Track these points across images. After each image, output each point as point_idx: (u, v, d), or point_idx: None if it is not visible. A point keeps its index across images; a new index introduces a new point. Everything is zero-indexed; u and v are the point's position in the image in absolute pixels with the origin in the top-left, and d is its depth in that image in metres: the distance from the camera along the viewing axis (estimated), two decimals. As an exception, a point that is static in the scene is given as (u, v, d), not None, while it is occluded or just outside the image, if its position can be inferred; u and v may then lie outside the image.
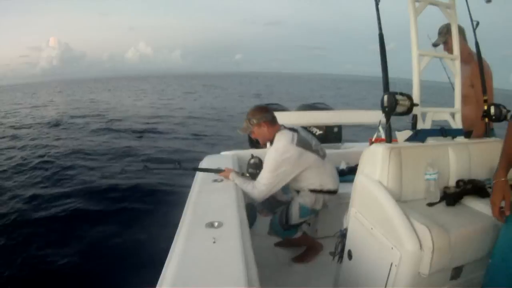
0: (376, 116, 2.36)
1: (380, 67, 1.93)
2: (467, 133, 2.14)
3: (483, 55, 2.48)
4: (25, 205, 5.80)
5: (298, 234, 2.65)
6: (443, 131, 2.06)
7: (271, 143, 2.46)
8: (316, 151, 2.42)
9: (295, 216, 2.49)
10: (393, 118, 1.90)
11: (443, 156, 1.90)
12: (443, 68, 2.46)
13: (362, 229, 1.81)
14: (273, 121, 2.50)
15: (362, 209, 1.86)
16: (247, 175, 2.58)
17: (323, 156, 2.48)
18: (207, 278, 1.22)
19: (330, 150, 2.71)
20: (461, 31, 2.62)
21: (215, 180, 2.44)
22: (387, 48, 1.96)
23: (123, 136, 12.57)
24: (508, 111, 2.17)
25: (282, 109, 4.14)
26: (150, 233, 4.44)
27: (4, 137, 12.87)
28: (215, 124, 15.83)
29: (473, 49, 2.49)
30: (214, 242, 1.45)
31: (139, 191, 6.08)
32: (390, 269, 1.55)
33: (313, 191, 2.47)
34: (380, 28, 1.92)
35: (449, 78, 2.48)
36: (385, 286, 1.59)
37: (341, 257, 2.05)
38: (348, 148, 3.99)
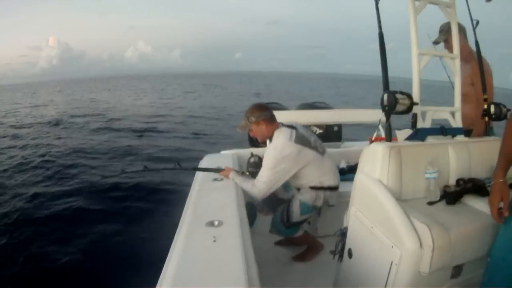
0: (376, 115, 2.37)
1: (380, 66, 1.93)
2: (467, 132, 2.14)
3: (482, 54, 2.48)
4: (27, 203, 5.82)
5: (300, 232, 2.65)
6: (443, 130, 2.06)
7: (270, 141, 2.46)
8: (315, 148, 2.42)
9: (296, 213, 2.49)
10: (393, 117, 1.90)
11: (443, 155, 1.90)
12: (443, 67, 2.47)
13: (362, 228, 1.81)
14: (271, 119, 2.50)
15: (362, 207, 1.86)
16: (247, 173, 2.58)
17: (322, 152, 2.47)
18: (207, 277, 1.22)
19: (330, 149, 2.71)
20: (462, 29, 2.62)
21: (215, 179, 2.44)
22: (387, 47, 1.96)
23: (123, 135, 12.59)
24: (508, 110, 2.17)
25: (282, 108, 4.14)
26: (150, 232, 4.45)
27: (5, 137, 12.91)
28: (215, 123, 15.83)
29: (473, 47, 2.50)
30: (214, 241, 1.46)
31: (139, 190, 6.09)
32: (390, 267, 1.55)
33: (313, 188, 2.46)
34: (380, 27, 1.92)
35: (449, 77, 2.49)
36: (386, 285, 1.59)
37: (341, 256, 2.06)
38: (348, 147, 3.99)
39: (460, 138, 2.11)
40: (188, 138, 12.29)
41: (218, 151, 3.44)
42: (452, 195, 1.78)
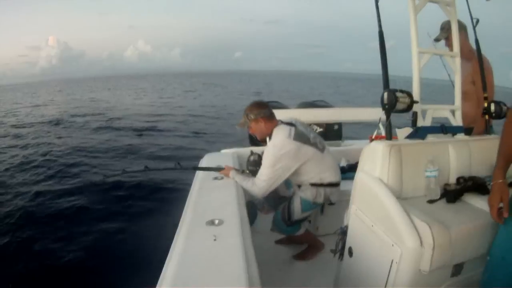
0: (376, 114, 2.36)
1: (380, 65, 1.93)
2: (468, 130, 2.14)
3: (483, 52, 2.48)
4: (28, 202, 5.85)
5: (302, 230, 2.65)
6: (443, 128, 2.06)
7: (270, 139, 2.46)
8: (314, 144, 2.41)
9: (297, 210, 2.49)
10: (393, 115, 1.90)
11: (443, 153, 1.90)
12: (443, 65, 2.47)
13: (363, 226, 1.81)
14: (270, 117, 2.50)
15: (362, 206, 1.86)
16: (247, 172, 2.58)
17: (322, 149, 2.46)
18: (207, 276, 1.22)
19: (331, 148, 2.70)
20: (463, 27, 2.61)
21: (215, 178, 2.44)
22: (386, 45, 1.96)
23: (124, 134, 12.63)
24: (508, 108, 2.17)
25: (282, 106, 4.13)
26: (151, 231, 4.46)
27: (6, 136, 12.97)
28: (215, 122, 15.87)
29: (474, 46, 2.50)
30: (214, 240, 1.46)
31: (140, 189, 6.10)
32: (390, 266, 1.55)
33: (313, 184, 2.46)
34: (380, 26, 1.92)
35: (449, 75, 2.48)
36: (386, 283, 1.59)
37: (341, 254, 2.06)
38: (348, 145, 3.99)
39: (461, 136, 2.11)
40: (188, 137, 12.33)
41: (218, 150, 3.44)
42: (453, 194, 1.78)
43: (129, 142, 11.03)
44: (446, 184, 1.84)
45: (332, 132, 4.20)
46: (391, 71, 1.91)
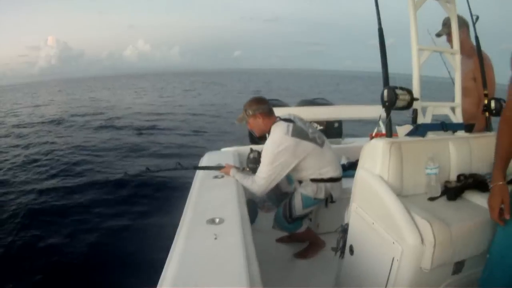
0: (376, 111, 2.36)
1: (379, 62, 1.93)
2: (469, 127, 2.13)
3: (484, 49, 2.47)
4: (31, 202, 5.87)
5: (303, 228, 2.64)
6: (444, 126, 2.05)
7: (269, 135, 2.46)
8: (313, 139, 2.40)
9: (298, 207, 2.49)
10: (393, 113, 1.90)
11: (444, 151, 1.90)
12: (443, 62, 2.46)
13: (363, 224, 1.81)
14: (269, 113, 2.50)
15: (363, 204, 1.86)
16: (248, 170, 2.58)
17: (321, 144, 2.45)
18: (208, 275, 1.22)
19: (331, 145, 2.70)
20: (465, 24, 2.61)
21: (216, 177, 2.44)
22: (386, 43, 1.95)
23: (125, 134, 12.65)
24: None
25: (282, 105, 4.13)
26: (151, 231, 4.48)
27: (8, 136, 13.00)
28: (215, 120, 15.92)
29: (474, 43, 2.49)
30: (215, 238, 1.45)
31: (141, 189, 6.10)
32: (391, 263, 1.55)
33: (314, 180, 2.46)
34: (379, 23, 1.92)
35: (449, 72, 2.48)
36: (387, 281, 1.59)
37: (342, 252, 2.05)
38: (348, 143, 3.99)
39: (461, 133, 2.11)
40: (188, 135, 12.36)
41: (219, 148, 3.45)
42: (453, 191, 1.78)
43: (130, 141, 11.06)
44: (447, 182, 1.84)
45: (332, 130, 4.20)
46: (390, 69, 1.91)
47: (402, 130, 2.04)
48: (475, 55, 2.56)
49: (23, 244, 4.51)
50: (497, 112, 2.16)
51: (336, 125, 4.27)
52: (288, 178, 2.69)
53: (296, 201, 2.49)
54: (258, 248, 1.52)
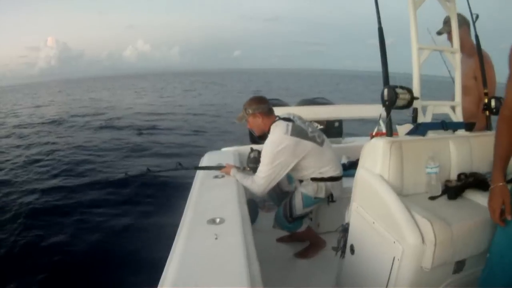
0: (376, 110, 2.36)
1: (379, 62, 1.92)
2: (469, 125, 2.13)
3: (484, 48, 2.47)
4: (33, 201, 5.92)
5: (303, 227, 2.64)
6: (444, 125, 2.05)
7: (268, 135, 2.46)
8: (312, 138, 2.40)
9: (298, 206, 2.49)
10: (393, 112, 1.90)
11: (444, 150, 1.90)
12: (443, 61, 2.46)
13: (364, 224, 1.81)
14: (268, 113, 2.50)
15: (363, 203, 1.86)
16: (248, 169, 2.58)
17: (321, 143, 2.44)
18: (209, 275, 1.22)
19: (331, 145, 2.70)
20: (466, 23, 2.60)
21: (216, 177, 2.44)
22: (386, 42, 1.95)
23: (125, 134, 12.69)
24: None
25: (282, 104, 4.13)
26: (152, 231, 4.48)
27: (9, 137, 13.06)
28: (215, 120, 15.95)
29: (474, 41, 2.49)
30: (216, 238, 1.45)
31: (142, 189, 6.11)
32: (392, 263, 1.55)
33: (314, 179, 2.46)
34: (379, 22, 1.91)
35: (449, 71, 2.47)
36: (388, 281, 1.59)
37: (343, 252, 2.05)
38: (349, 142, 3.99)
39: (461, 132, 2.10)
40: (189, 135, 12.38)
41: (219, 148, 3.45)
42: (454, 190, 1.77)
43: (130, 141, 11.09)
44: (447, 181, 1.83)
45: (332, 129, 4.20)
46: (390, 68, 1.91)
47: (403, 129, 2.04)
48: (475, 54, 2.56)
49: (26, 243, 4.53)
50: (497, 111, 2.15)
51: (336, 124, 4.27)
52: (289, 177, 2.69)
53: (296, 200, 2.49)
54: (259, 247, 1.52)
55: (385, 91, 1.86)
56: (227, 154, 3.08)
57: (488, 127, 2.24)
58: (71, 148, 10.08)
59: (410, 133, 1.98)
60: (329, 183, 2.47)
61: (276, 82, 57.73)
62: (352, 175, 1.99)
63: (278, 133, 2.34)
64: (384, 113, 1.95)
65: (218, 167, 2.52)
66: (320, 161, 2.43)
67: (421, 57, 2.02)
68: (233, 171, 2.42)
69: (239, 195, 2.08)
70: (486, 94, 2.29)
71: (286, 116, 2.51)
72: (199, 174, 2.53)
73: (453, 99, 2.23)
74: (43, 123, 16.36)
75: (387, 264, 1.58)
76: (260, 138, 2.64)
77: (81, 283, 3.63)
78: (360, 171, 1.91)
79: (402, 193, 1.72)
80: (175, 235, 1.60)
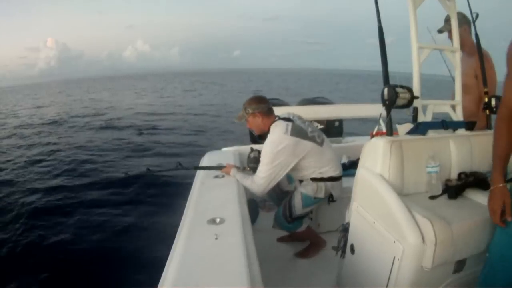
0: (376, 110, 2.35)
1: (379, 61, 1.92)
2: (470, 124, 2.12)
3: (485, 47, 2.47)
4: (34, 200, 5.94)
5: (303, 227, 2.64)
6: (444, 124, 2.05)
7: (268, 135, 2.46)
8: (312, 138, 2.39)
9: (298, 206, 2.48)
10: (393, 111, 1.89)
11: (445, 149, 1.90)
12: (443, 60, 2.45)
13: (364, 223, 1.81)
14: (268, 112, 2.49)
15: (364, 203, 1.86)
16: (248, 169, 2.58)
17: (320, 143, 2.44)
18: (209, 275, 1.22)
19: (331, 144, 2.70)
20: (467, 21, 2.60)
21: (216, 176, 2.43)
22: (386, 41, 1.95)
23: (126, 134, 12.73)
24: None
25: (283, 104, 4.13)
26: (152, 231, 4.49)
27: (10, 137, 13.10)
28: (215, 120, 15.97)
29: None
30: (216, 238, 1.45)
31: (142, 189, 6.12)
32: (393, 262, 1.55)
33: (314, 179, 2.45)
34: (379, 21, 1.91)
35: (449, 70, 2.47)
36: (388, 280, 1.59)
37: (343, 251, 2.05)
38: (349, 142, 3.98)
39: (462, 131, 2.10)
40: (189, 135, 12.39)
41: (219, 148, 3.44)
42: (454, 189, 1.77)
43: (131, 141, 11.14)
44: (448, 180, 1.83)
45: (333, 129, 4.20)
46: (389, 68, 1.90)
47: (403, 128, 2.04)
48: (476, 52, 2.56)
49: (28, 242, 4.56)
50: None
51: (336, 124, 4.26)
52: (289, 177, 2.69)
53: (296, 200, 2.49)
54: (259, 247, 1.51)
55: (385, 90, 1.85)
56: (227, 154, 3.07)
57: (488, 126, 2.24)
58: (72, 148, 10.12)
59: (410, 132, 1.98)
60: (329, 183, 2.47)
61: (276, 82, 57.76)
62: (353, 175, 1.99)
63: (278, 133, 2.34)
64: (384, 113, 1.94)
65: (218, 167, 2.52)
66: (320, 161, 2.43)
67: (421, 56, 2.02)
68: (233, 171, 2.42)
69: (239, 195, 2.07)
70: (486, 93, 2.29)
71: (286, 116, 2.50)
72: (200, 174, 2.52)
73: (453, 98, 2.23)
74: (43, 123, 16.42)
75: (387, 264, 1.58)
76: (260, 137, 2.63)
77: (81, 282, 3.64)
78: (360, 171, 1.91)
79: (402, 193, 1.72)
80: (175, 235, 1.60)
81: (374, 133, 3.04)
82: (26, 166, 8.39)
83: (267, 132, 2.45)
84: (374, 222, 1.72)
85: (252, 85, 47.02)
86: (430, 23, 2.76)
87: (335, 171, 2.48)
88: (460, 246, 1.51)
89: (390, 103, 1.85)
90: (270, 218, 2.68)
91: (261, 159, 2.36)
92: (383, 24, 1.91)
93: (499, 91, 2.45)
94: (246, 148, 3.10)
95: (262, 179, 2.32)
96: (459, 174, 1.87)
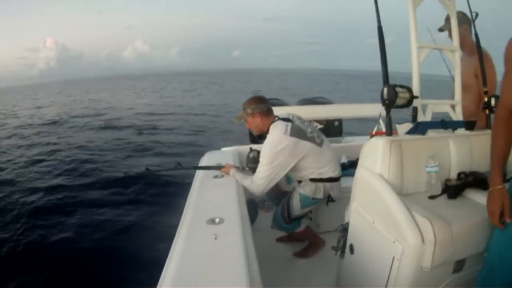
0: (376, 109, 2.35)
1: (378, 61, 1.92)
2: (470, 124, 2.12)
3: (485, 47, 2.47)
4: (35, 200, 5.97)
5: (302, 227, 2.63)
6: (444, 123, 2.04)
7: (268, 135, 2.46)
8: (311, 139, 2.39)
9: (296, 207, 2.48)
10: (393, 111, 1.89)
11: (444, 149, 1.89)
12: (442, 60, 2.45)
13: (364, 223, 1.81)
14: (267, 113, 2.49)
15: (363, 202, 1.85)
16: (247, 169, 2.58)
17: (320, 143, 2.44)
18: (208, 275, 1.22)
19: (331, 144, 2.69)
20: (468, 20, 2.60)
21: (216, 176, 2.43)
22: (385, 41, 1.94)
23: (126, 133, 12.76)
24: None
25: (282, 104, 4.13)
26: (151, 231, 4.49)
27: (10, 137, 13.12)
28: (215, 119, 16.00)
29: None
30: (215, 238, 1.45)
31: (141, 189, 6.14)
32: (392, 262, 1.55)
33: (313, 180, 2.45)
34: (378, 21, 1.91)
35: (449, 70, 2.47)
36: (388, 280, 1.59)
37: (343, 251, 2.05)
38: (348, 141, 3.98)
39: (461, 131, 2.10)
40: (189, 135, 12.40)
41: (219, 148, 3.44)
42: (454, 189, 1.77)
43: (131, 141, 11.16)
44: (447, 180, 1.83)
45: (332, 129, 4.20)
46: (389, 68, 1.90)
47: (402, 128, 2.04)
48: (476, 52, 2.56)
49: (28, 242, 4.59)
50: None
51: (336, 123, 4.26)
52: (287, 178, 2.69)
53: (294, 200, 2.49)
54: (258, 247, 1.51)
55: (385, 90, 1.85)
56: (227, 154, 3.07)
57: (488, 125, 2.24)
58: (72, 148, 10.15)
59: (410, 132, 1.97)
60: (327, 184, 2.47)
61: (276, 82, 57.76)
62: (352, 175, 1.99)
63: (277, 133, 2.33)
64: (383, 112, 1.94)
65: (218, 167, 2.51)
66: (319, 162, 2.43)
67: (420, 55, 2.01)
68: (232, 171, 2.42)
69: (238, 195, 2.07)
70: (486, 92, 2.29)
71: (285, 116, 2.50)
72: (199, 174, 2.52)
73: (453, 97, 2.23)
74: (43, 124, 16.46)
75: (386, 264, 1.57)
76: (259, 137, 2.63)
77: (81, 281, 3.65)
78: (360, 171, 1.90)
79: (402, 192, 1.72)
80: (174, 234, 1.60)
81: (373, 132, 3.04)
82: (26, 166, 8.42)
83: (267, 132, 2.45)
84: (373, 222, 1.72)
85: (252, 85, 47.03)
86: (430, 23, 2.76)
87: (334, 172, 2.48)
88: (459, 246, 1.50)
89: (389, 103, 1.85)
90: (270, 218, 2.68)
91: (261, 159, 2.36)
92: (382, 24, 1.91)
93: (499, 91, 2.45)
94: (245, 148, 3.10)
95: (261, 180, 2.32)
96: (459, 174, 1.87)
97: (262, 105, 2.48)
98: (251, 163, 2.61)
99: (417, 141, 1.88)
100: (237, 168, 2.49)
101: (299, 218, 2.57)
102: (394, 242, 1.54)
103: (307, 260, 2.68)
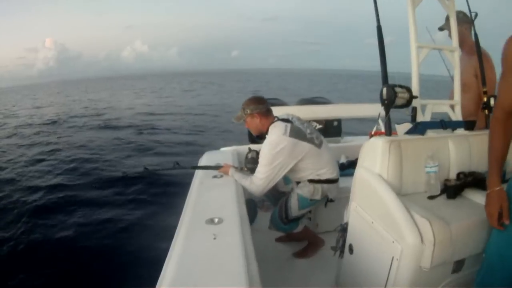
0: (375, 109, 2.35)
1: (378, 61, 1.92)
2: (470, 123, 2.12)
3: (484, 47, 2.47)
4: (35, 200, 5.97)
5: (300, 228, 2.63)
6: (443, 124, 2.04)
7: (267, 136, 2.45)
8: (310, 140, 2.39)
9: (294, 208, 2.48)
10: (392, 111, 1.89)
11: (443, 149, 1.89)
12: (441, 60, 2.45)
13: (363, 223, 1.80)
14: (266, 113, 2.49)
15: (362, 203, 1.85)
16: (246, 169, 2.57)
17: (319, 144, 2.43)
18: (207, 275, 1.22)
19: (330, 144, 2.69)
20: (468, 20, 2.59)
21: (215, 176, 2.43)
22: (385, 41, 1.94)
23: (125, 133, 12.75)
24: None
25: (282, 104, 4.13)
26: (150, 231, 4.49)
27: (10, 137, 13.15)
28: (214, 120, 15.98)
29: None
30: (214, 238, 1.45)
31: (140, 188, 6.13)
32: (391, 263, 1.55)
33: (311, 181, 2.45)
34: (378, 21, 1.91)
35: (448, 70, 2.47)
36: (387, 280, 1.58)
37: (342, 251, 2.05)
38: (348, 141, 3.99)
39: (460, 131, 2.10)
40: (188, 135, 12.41)
41: (218, 148, 3.44)
42: (453, 189, 1.77)
43: (131, 140, 11.16)
44: (446, 180, 1.83)
45: (331, 129, 4.19)
46: (388, 68, 1.90)
47: (402, 128, 2.03)
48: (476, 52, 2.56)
49: (29, 241, 4.60)
50: None
51: (335, 123, 4.26)
52: (285, 178, 2.69)
53: (292, 201, 2.49)
54: (257, 247, 1.51)
55: (384, 90, 1.85)
56: (226, 154, 3.07)
57: (487, 125, 2.23)
58: (72, 148, 10.16)
59: (409, 132, 1.97)
60: (325, 185, 2.47)
61: (275, 82, 57.79)
62: (351, 175, 1.98)
63: (276, 134, 2.33)
64: (383, 112, 1.94)
65: (216, 167, 2.51)
66: (318, 163, 2.42)
67: (420, 55, 2.01)
68: (231, 171, 2.42)
69: (238, 195, 2.07)
70: (485, 92, 2.28)
71: (284, 117, 2.50)
72: (198, 173, 2.52)
73: (452, 97, 2.23)
74: (43, 123, 16.48)
75: (386, 264, 1.57)
76: (259, 137, 2.63)
77: (81, 280, 3.65)
78: (359, 171, 1.90)
79: (401, 193, 1.71)
80: (173, 235, 1.60)
81: (373, 133, 3.04)
82: (26, 165, 8.44)
83: (266, 132, 2.45)
84: (372, 222, 1.72)
85: (251, 85, 47.03)
86: (429, 22, 2.76)
87: (332, 173, 2.48)
88: (458, 246, 1.50)
89: (389, 103, 1.85)
90: (269, 218, 2.68)
91: (260, 160, 2.36)
92: (382, 23, 1.91)
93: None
94: (244, 148, 3.10)
95: (260, 180, 2.32)
96: (458, 174, 1.87)
97: (261, 106, 2.48)
98: (249, 164, 2.61)
99: (416, 141, 1.88)
100: (236, 168, 2.49)
101: (297, 219, 2.57)
102: (393, 242, 1.54)
103: (306, 260, 2.67)
